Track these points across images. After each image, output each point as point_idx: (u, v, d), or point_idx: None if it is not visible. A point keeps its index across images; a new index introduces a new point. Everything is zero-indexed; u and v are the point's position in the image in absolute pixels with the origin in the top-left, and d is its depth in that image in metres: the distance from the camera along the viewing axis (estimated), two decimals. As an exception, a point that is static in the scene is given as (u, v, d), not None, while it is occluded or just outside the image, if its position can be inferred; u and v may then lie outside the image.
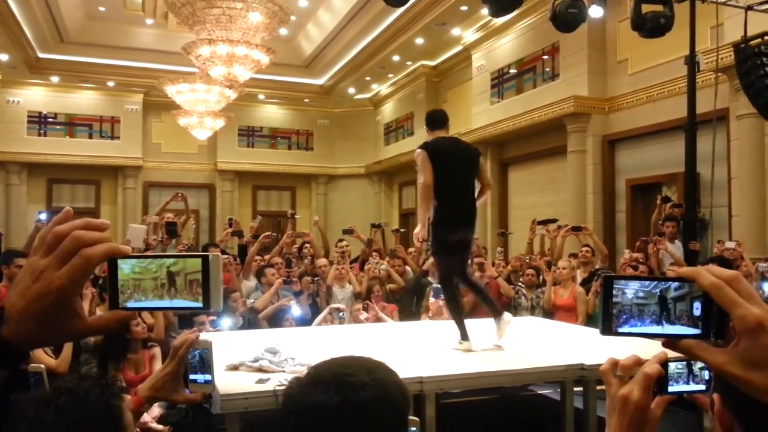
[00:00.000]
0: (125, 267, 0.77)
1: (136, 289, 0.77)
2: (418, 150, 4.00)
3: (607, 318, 0.77)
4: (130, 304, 0.78)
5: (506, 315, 3.99)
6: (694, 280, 0.73)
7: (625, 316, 0.77)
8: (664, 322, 0.75)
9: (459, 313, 4.03)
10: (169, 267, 0.77)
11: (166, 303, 0.78)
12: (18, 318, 0.72)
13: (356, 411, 0.95)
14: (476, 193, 4.14)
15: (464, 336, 3.90)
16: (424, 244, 4.55)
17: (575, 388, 3.37)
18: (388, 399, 0.99)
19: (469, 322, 4.02)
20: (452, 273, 4.09)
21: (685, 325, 0.75)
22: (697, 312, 0.74)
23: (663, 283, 0.76)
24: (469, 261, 4.36)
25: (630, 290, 0.77)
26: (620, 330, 0.77)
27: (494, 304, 4.06)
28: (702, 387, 0.95)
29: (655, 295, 0.76)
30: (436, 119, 4.17)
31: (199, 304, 0.77)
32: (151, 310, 0.79)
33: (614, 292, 0.77)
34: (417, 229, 4.10)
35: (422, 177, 3.95)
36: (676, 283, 0.75)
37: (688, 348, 0.74)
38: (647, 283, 0.77)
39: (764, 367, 0.69)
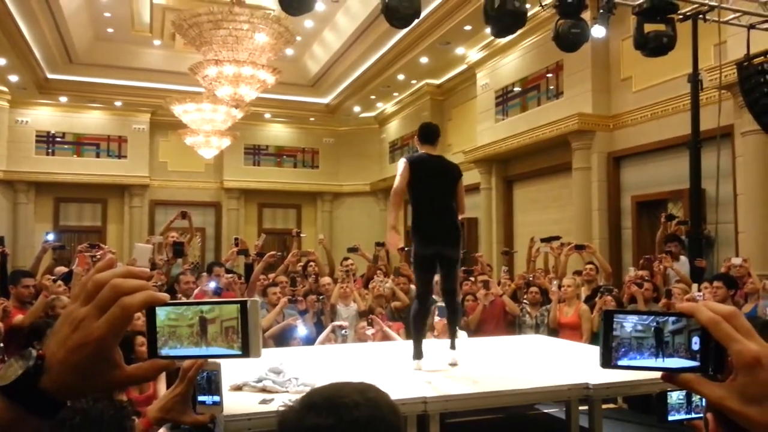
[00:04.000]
0: (161, 314, 0.76)
1: (171, 336, 0.76)
2: (403, 161, 4.06)
3: (607, 351, 0.79)
4: (165, 351, 0.77)
5: (456, 358, 3.92)
6: (693, 315, 0.74)
7: (624, 349, 0.78)
8: (662, 355, 0.77)
9: (421, 332, 3.98)
10: (203, 314, 0.76)
11: (202, 351, 0.76)
12: (58, 368, 0.71)
13: (351, 430, 0.97)
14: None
15: (417, 354, 3.85)
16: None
17: (580, 407, 3.34)
18: (381, 417, 1.02)
19: (475, 340, 4.01)
20: (428, 290, 4.09)
21: (683, 357, 0.76)
22: (695, 346, 0.76)
23: (661, 317, 0.77)
24: (457, 278, 4.27)
25: (629, 324, 0.78)
26: (619, 363, 0.78)
27: (454, 338, 4.01)
28: (701, 415, 0.96)
29: (653, 329, 0.77)
30: (426, 133, 4.20)
31: (238, 351, 0.76)
32: (186, 358, 0.78)
33: (614, 325, 0.78)
34: (388, 237, 4.14)
35: (395, 184, 4.02)
36: (674, 317, 0.77)
37: (687, 382, 0.75)
38: (645, 317, 0.78)
39: (761, 402, 0.70)
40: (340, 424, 0.97)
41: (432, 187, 4.02)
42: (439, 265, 4.03)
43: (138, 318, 0.73)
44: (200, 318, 0.76)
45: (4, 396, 0.70)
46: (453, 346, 3.99)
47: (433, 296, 6.33)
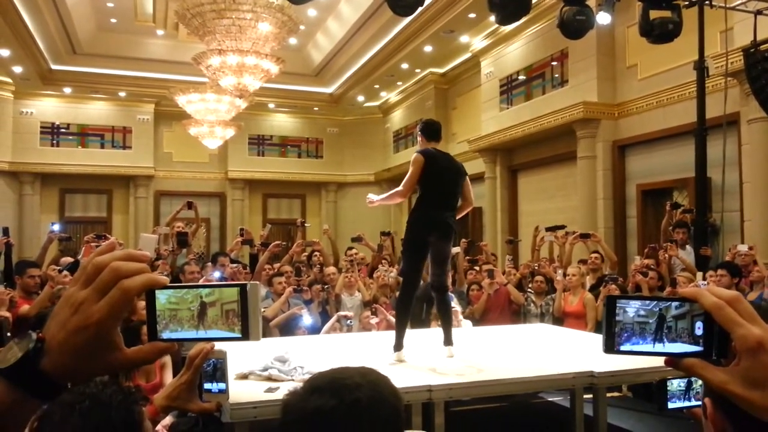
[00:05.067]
0: (161, 297, 0.76)
1: (172, 320, 0.76)
2: (417, 154, 4.05)
3: (609, 336, 0.79)
4: (166, 335, 0.77)
5: (452, 350, 3.93)
6: (696, 300, 0.75)
7: (626, 334, 0.78)
8: (665, 340, 0.77)
9: (404, 320, 3.98)
10: (203, 297, 0.76)
11: (201, 334, 0.76)
12: (58, 350, 0.71)
13: (353, 411, 0.99)
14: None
15: (398, 346, 3.84)
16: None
17: (585, 396, 3.35)
18: (382, 398, 1.03)
19: (480, 329, 4.02)
20: (418, 275, 4.10)
21: (686, 342, 0.76)
22: (699, 331, 0.76)
23: (664, 302, 0.77)
24: (449, 275, 4.27)
25: (631, 309, 0.78)
26: (622, 348, 0.78)
27: (450, 334, 4.01)
28: (700, 403, 0.96)
29: (656, 314, 0.77)
30: (433, 130, 4.22)
31: (237, 335, 0.76)
32: (187, 341, 0.79)
33: (616, 310, 0.78)
34: (379, 199, 4.18)
35: (403, 186, 4.02)
36: (676, 302, 0.77)
37: (690, 366, 0.75)
38: (648, 302, 0.78)
39: (765, 387, 0.70)
40: (341, 405, 0.99)
41: (443, 180, 4.06)
42: (431, 260, 4.05)
43: (143, 308, 0.74)
44: (201, 301, 0.76)
45: (5, 378, 0.71)
46: (449, 342, 3.97)
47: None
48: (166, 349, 0.77)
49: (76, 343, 0.71)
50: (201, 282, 5.95)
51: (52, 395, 0.73)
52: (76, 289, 0.73)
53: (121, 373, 4.04)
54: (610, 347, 0.79)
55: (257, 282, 0.80)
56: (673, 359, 0.76)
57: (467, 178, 4.24)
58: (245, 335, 0.76)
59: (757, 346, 0.70)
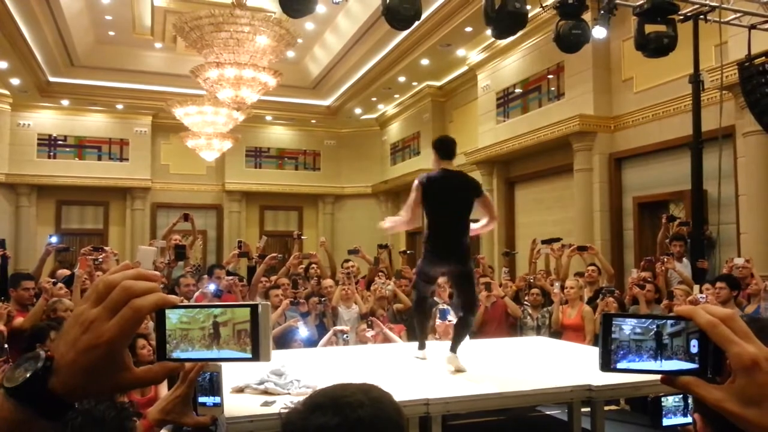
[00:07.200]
0: (173, 317, 0.76)
1: (183, 339, 0.76)
2: (416, 182, 4.02)
3: (606, 354, 0.79)
4: (176, 354, 0.76)
5: (455, 357, 3.85)
6: (691, 318, 0.75)
7: (622, 352, 0.78)
8: (661, 358, 0.77)
9: (425, 326, 4.33)
10: (216, 317, 0.76)
11: (213, 353, 0.76)
12: (67, 370, 0.71)
13: (356, 429, 0.98)
14: (476, 225, 4.26)
15: (421, 345, 4.19)
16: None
17: (583, 409, 3.34)
18: (385, 416, 1.02)
19: (477, 342, 4.02)
20: (425, 298, 4.36)
21: (682, 360, 0.76)
22: (694, 349, 0.76)
23: (660, 320, 0.78)
24: (473, 292, 4.22)
25: (627, 326, 0.78)
26: (618, 366, 0.79)
27: (461, 339, 3.97)
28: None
29: (652, 331, 0.77)
30: (446, 147, 4.12)
31: (248, 355, 0.76)
32: (197, 360, 0.79)
33: (612, 328, 0.78)
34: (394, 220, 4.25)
35: (404, 213, 4.06)
36: (672, 320, 0.77)
37: (686, 384, 0.75)
38: (644, 320, 0.78)
39: (760, 404, 0.70)
40: (344, 423, 0.98)
41: (444, 206, 4.00)
42: (455, 284, 4.14)
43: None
44: (213, 321, 0.76)
45: (13, 398, 0.70)
46: (453, 350, 3.92)
47: (435, 298, 6.36)
48: (175, 369, 0.77)
49: (86, 362, 0.71)
50: (197, 294, 5.93)
51: (61, 415, 0.72)
52: (86, 308, 0.73)
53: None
54: (607, 365, 0.79)
55: (269, 303, 0.80)
56: (668, 377, 0.77)
57: (483, 198, 4.16)
58: (255, 356, 0.76)
59: (752, 364, 0.70)
